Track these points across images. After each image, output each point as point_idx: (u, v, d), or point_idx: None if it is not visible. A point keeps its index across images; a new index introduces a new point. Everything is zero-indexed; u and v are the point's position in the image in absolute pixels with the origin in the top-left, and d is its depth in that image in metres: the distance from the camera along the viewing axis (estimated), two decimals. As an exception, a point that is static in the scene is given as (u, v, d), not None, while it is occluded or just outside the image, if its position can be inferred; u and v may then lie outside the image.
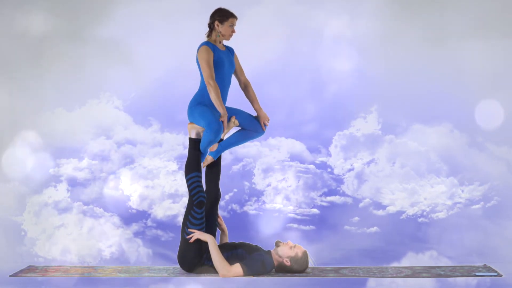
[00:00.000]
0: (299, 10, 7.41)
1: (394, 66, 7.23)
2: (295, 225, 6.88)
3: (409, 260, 5.74)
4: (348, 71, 7.31)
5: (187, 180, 5.17)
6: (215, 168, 5.38)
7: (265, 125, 5.36)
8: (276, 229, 6.80)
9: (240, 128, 5.36)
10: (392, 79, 7.24)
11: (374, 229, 6.73)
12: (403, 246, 6.24)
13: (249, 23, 6.54)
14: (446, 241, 6.30)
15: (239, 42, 5.40)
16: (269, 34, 7.33)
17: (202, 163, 5.28)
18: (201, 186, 5.17)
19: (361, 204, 7.02)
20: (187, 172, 5.18)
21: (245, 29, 5.57)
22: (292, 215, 6.98)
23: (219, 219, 5.43)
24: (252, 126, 5.35)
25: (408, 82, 7.24)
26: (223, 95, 5.21)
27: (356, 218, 6.87)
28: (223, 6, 5.23)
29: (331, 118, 7.36)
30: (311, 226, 6.86)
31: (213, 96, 5.06)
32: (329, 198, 7.11)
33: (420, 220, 6.78)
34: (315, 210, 7.02)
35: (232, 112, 5.27)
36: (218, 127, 5.05)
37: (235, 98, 5.41)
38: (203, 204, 5.14)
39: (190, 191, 5.15)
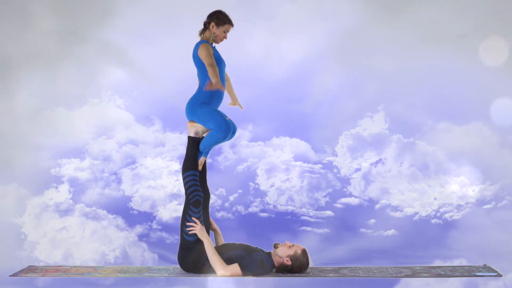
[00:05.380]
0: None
1: (403, 65, 7.40)
2: (309, 228, 7.04)
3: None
4: (354, 70, 7.54)
5: (184, 179, 5.38)
6: (203, 168, 5.59)
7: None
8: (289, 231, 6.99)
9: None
10: (407, 77, 7.44)
11: (391, 231, 6.91)
12: (428, 251, 6.41)
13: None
14: (469, 245, 6.50)
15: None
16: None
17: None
18: (198, 185, 5.37)
19: (377, 206, 7.19)
20: (184, 171, 5.40)
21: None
22: (306, 217, 7.14)
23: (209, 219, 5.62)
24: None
25: (427, 80, 7.43)
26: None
27: (373, 220, 7.06)
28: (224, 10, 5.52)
29: (337, 117, 7.55)
30: (325, 229, 7.01)
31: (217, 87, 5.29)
32: (343, 200, 7.26)
33: (433, 221, 6.96)
34: (329, 212, 7.17)
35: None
36: (228, 129, 5.37)
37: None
38: (200, 203, 5.35)
39: (186, 189, 5.36)
